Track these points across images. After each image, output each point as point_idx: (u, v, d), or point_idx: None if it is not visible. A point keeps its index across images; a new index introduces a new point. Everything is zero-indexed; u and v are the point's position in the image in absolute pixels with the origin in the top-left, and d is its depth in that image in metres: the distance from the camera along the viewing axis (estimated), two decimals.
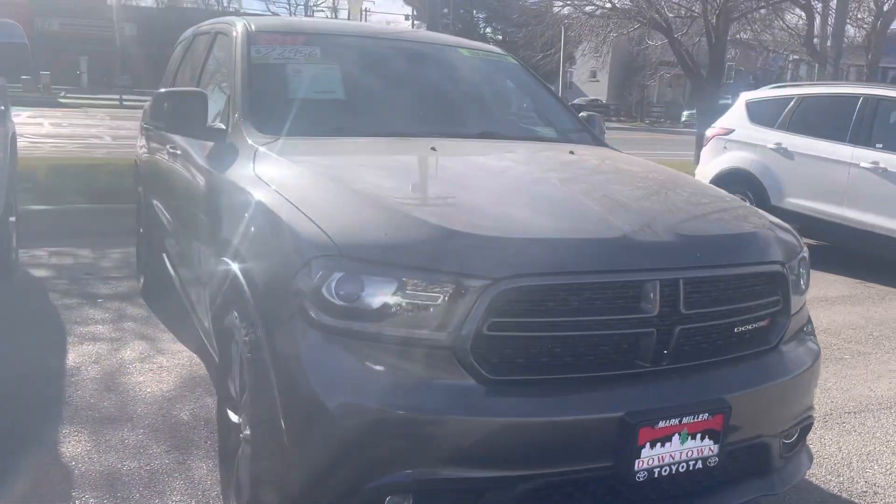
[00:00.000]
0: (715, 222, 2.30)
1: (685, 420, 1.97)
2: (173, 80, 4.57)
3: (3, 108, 4.87)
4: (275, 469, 2.04)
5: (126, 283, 5.27)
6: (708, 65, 15.49)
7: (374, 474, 1.87)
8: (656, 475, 1.97)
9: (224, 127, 2.92)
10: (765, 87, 8.27)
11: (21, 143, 6.97)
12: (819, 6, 14.95)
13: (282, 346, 1.98)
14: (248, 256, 2.22)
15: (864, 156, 6.48)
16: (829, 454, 3.25)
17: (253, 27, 3.31)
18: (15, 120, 5.85)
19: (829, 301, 5.90)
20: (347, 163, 2.57)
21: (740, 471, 2.23)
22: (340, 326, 1.90)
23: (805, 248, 2.48)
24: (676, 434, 1.97)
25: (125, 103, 29.01)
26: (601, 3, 15.47)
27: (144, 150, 4.67)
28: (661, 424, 1.94)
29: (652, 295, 1.98)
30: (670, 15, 15.30)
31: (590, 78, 46.54)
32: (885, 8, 13.80)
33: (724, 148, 7.68)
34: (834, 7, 15.96)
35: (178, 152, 3.49)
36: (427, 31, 4.11)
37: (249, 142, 2.68)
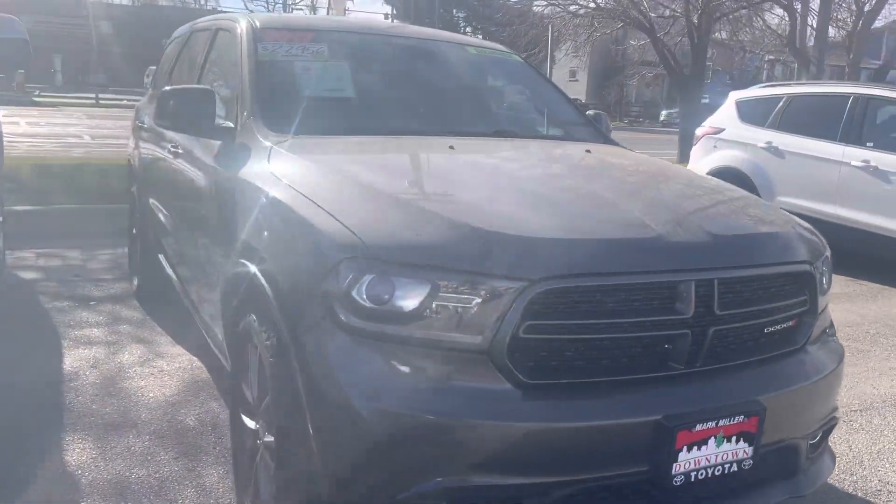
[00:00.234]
0: (744, 221, 2.27)
1: (721, 423, 1.94)
2: (169, 78, 4.48)
3: None
4: (301, 477, 1.98)
5: (118, 285, 5.17)
6: (690, 64, 15.57)
7: (407, 482, 1.82)
8: (692, 479, 1.94)
9: (233, 125, 2.86)
10: (754, 87, 8.31)
11: None
12: (798, 6, 15.07)
13: (310, 350, 1.92)
14: (270, 257, 2.16)
15: (855, 154, 6.52)
16: (840, 453, 3.24)
17: (258, 24, 3.24)
18: None
19: None
20: (367, 162, 2.51)
21: (769, 473, 2.21)
22: (371, 329, 1.85)
23: (828, 248, 2.47)
24: (713, 437, 1.95)
25: (101, 102, 28.60)
26: (585, 3, 15.50)
27: (140, 149, 4.58)
28: (699, 427, 1.91)
29: (687, 296, 1.95)
30: (653, 15, 15.36)
31: (569, 78, 46.67)
32: (866, 8, 13.96)
33: (715, 147, 7.70)
34: (814, 7, 16.15)
35: (181, 151, 3.41)
36: (430, 28, 4.08)
37: (262, 141, 2.62)
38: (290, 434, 2.00)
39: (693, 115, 15.22)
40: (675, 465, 1.90)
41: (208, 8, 51.80)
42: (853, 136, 6.61)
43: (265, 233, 2.24)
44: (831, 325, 2.53)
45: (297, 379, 1.95)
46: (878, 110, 6.66)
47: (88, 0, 41.30)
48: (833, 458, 2.52)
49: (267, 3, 51.02)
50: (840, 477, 3.04)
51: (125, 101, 31.38)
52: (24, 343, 3.99)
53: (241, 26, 3.25)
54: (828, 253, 2.44)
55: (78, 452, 2.85)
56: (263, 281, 2.15)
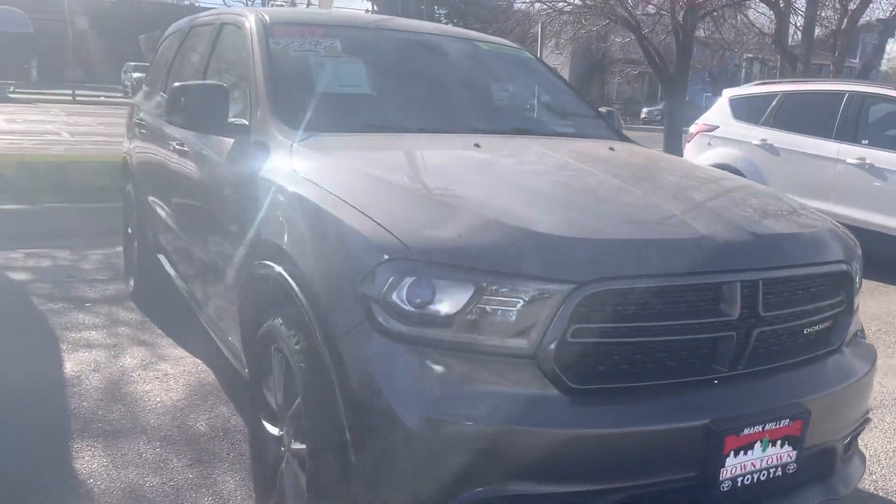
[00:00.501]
0: (784, 221, 2.24)
1: (768, 426, 1.91)
2: (167, 74, 4.37)
3: None
4: (337, 486, 1.92)
5: (113, 286, 5.05)
6: (675, 62, 15.62)
7: (450, 492, 1.76)
8: (739, 484, 1.91)
9: (247, 123, 2.77)
10: (748, 84, 8.33)
11: None
12: (781, 4, 15.16)
13: (347, 355, 1.86)
14: (300, 259, 2.08)
15: (851, 152, 6.55)
16: None
17: (268, 19, 3.16)
18: None
19: None
20: (395, 160, 2.45)
21: (806, 476, 2.18)
22: (413, 334, 1.79)
23: (859, 246, 2.44)
24: (759, 441, 1.91)
25: (78, 98, 28.18)
26: (572, 0, 15.49)
27: (138, 146, 4.46)
28: (746, 432, 1.87)
29: (732, 297, 1.91)
30: (638, 13, 15.39)
31: None
32: (851, 7, 14.07)
33: (709, 144, 7.71)
34: (797, 5, 16.29)
35: (187, 149, 3.32)
36: (440, 24, 4.01)
37: (282, 138, 2.54)
38: (324, 442, 1.93)
39: (678, 112, 15.31)
40: (722, 470, 1.86)
41: (185, 4, 51.26)
42: (848, 133, 6.64)
43: (294, 233, 2.17)
44: (861, 327, 2.50)
45: (333, 385, 1.89)
46: (874, 108, 6.69)
47: None
48: (863, 459, 2.50)
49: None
50: None
51: (102, 98, 31.06)
52: (22, 346, 3.88)
53: (251, 21, 3.16)
54: (860, 252, 2.42)
55: (88, 460, 2.77)
56: (293, 283, 2.08)
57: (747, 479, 1.91)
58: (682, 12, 14.43)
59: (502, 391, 1.76)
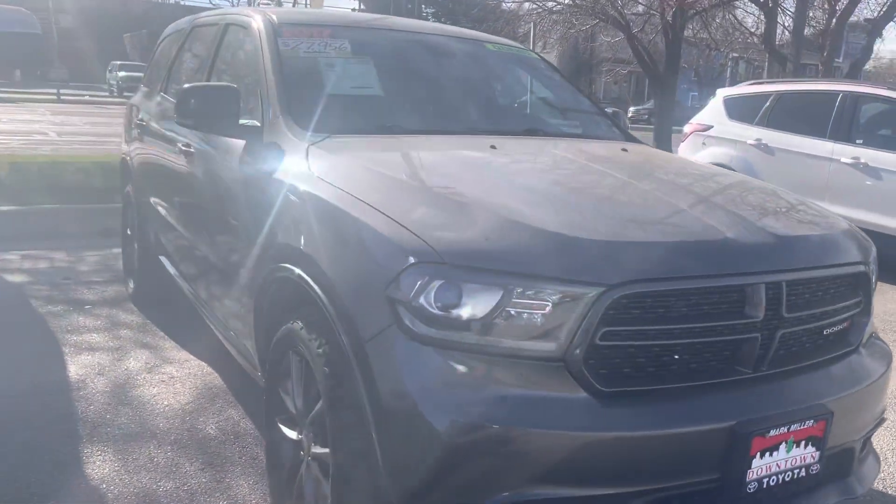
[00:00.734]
0: (804, 223, 2.25)
1: (793, 427, 1.92)
2: (167, 75, 4.34)
3: None
4: (363, 490, 1.91)
5: (112, 288, 5.01)
6: (664, 61, 15.68)
7: (480, 495, 1.76)
8: (764, 486, 1.91)
9: (258, 124, 2.76)
10: (742, 84, 8.37)
11: None
12: (770, 3, 15.25)
13: (374, 358, 1.85)
14: (322, 261, 2.07)
15: (845, 151, 6.60)
16: None
17: (276, 19, 3.14)
18: None
19: None
20: (413, 162, 2.44)
21: (825, 476, 2.19)
22: (441, 337, 1.78)
23: (874, 247, 2.46)
24: (784, 442, 1.92)
25: (63, 97, 27.95)
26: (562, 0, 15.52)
27: (139, 147, 4.42)
28: (773, 433, 1.88)
29: (757, 298, 1.91)
30: (628, 13, 15.44)
31: None
32: (838, 7, 14.18)
33: (703, 144, 7.75)
34: (785, 5, 16.39)
35: (194, 151, 3.29)
36: (445, 25, 4.00)
37: (297, 140, 2.52)
38: (349, 446, 1.92)
39: (668, 111, 15.38)
40: (749, 471, 1.87)
41: (171, 3, 50.94)
42: (842, 133, 6.69)
43: (316, 236, 2.15)
44: (874, 328, 2.52)
45: (360, 388, 1.88)
46: (867, 107, 6.75)
47: None
48: (877, 458, 2.51)
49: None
50: None
51: (88, 97, 30.82)
52: (23, 350, 3.84)
53: (258, 22, 3.14)
54: (875, 252, 2.43)
55: (100, 465, 2.74)
56: (315, 286, 2.06)
57: (772, 481, 1.92)
58: (671, 12, 14.49)
59: (531, 394, 1.76)
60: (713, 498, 1.93)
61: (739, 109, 7.62)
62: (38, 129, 16.93)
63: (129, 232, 4.88)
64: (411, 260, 1.81)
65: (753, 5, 15.81)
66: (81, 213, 6.86)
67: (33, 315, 4.40)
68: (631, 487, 1.81)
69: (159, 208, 3.97)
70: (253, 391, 3.33)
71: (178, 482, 2.66)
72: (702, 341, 1.89)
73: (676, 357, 1.87)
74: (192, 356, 3.86)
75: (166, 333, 4.19)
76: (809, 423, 1.94)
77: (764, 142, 7.21)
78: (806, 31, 15.65)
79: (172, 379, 3.56)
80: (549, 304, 1.76)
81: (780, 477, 1.94)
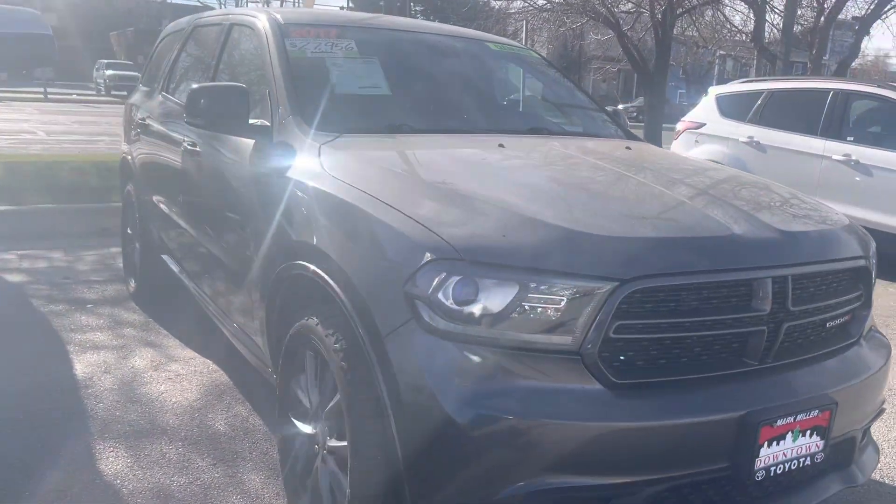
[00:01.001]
0: (808, 219, 2.30)
1: (799, 417, 1.97)
2: (168, 74, 4.36)
3: None
4: (381, 482, 1.96)
5: (112, 287, 5.03)
6: (654, 59, 15.77)
7: (498, 487, 1.80)
8: (772, 474, 1.97)
9: (268, 124, 2.79)
10: (734, 82, 8.46)
11: None
12: (759, 0, 15.38)
13: (393, 352, 1.89)
14: (339, 259, 2.11)
15: (836, 148, 6.69)
16: None
17: (282, 19, 3.17)
18: None
19: None
20: (425, 160, 2.48)
21: (828, 465, 2.25)
22: (459, 331, 1.83)
23: (874, 241, 2.52)
24: (790, 432, 1.97)
25: (50, 96, 27.79)
26: None
27: (141, 147, 4.44)
28: (780, 423, 1.93)
29: (763, 292, 1.97)
30: (618, 10, 15.51)
31: None
32: (826, 5, 14.33)
33: (696, 141, 7.83)
34: (773, 3, 16.51)
35: (200, 150, 3.32)
36: (445, 24, 4.06)
37: (308, 140, 2.56)
38: (368, 438, 1.96)
39: (658, 108, 15.46)
40: (757, 460, 1.92)
41: (157, 1, 50.64)
42: (833, 130, 6.78)
43: (332, 233, 2.19)
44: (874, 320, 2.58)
45: (378, 382, 1.92)
46: (858, 105, 6.84)
47: None
48: (876, 448, 2.58)
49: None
50: None
51: (75, 96, 30.64)
52: (29, 349, 3.85)
53: (264, 22, 3.18)
54: (874, 247, 2.50)
55: (112, 461, 2.77)
56: (332, 282, 2.10)
57: (779, 469, 1.98)
58: (661, 9, 14.58)
59: (547, 386, 1.80)
60: (723, 486, 1.99)
61: (731, 107, 7.70)
62: (27, 128, 16.82)
63: (129, 231, 4.90)
64: (429, 256, 1.85)
65: (742, 3, 15.95)
66: (77, 213, 6.85)
67: (36, 314, 4.41)
68: (644, 476, 1.86)
69: (163, 207, 3.99)
70: (260, 388, 3.38)
71: (191, 477, 2.70)
72: (711, 334, 1.94)
73: (686, 349, 1.92)
74: (196, 354, 3.89)
75: (170, 332, 4.22)
76: (815, 412, 2.00)
77: (756, 139, 7.29)
78: (794, 28, 15.77)
79: (179, 376, 3.59)
80: (564, 298, 1.80)
81: (787, 465, 1.99)
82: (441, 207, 2.02)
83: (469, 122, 3.03)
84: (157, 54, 4.90)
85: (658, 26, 14.91)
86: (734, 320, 1.96)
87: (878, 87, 6.84)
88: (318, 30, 3.17)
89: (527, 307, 1.81)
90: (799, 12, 16.28)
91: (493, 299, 1.82)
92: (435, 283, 1.83)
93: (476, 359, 1.82)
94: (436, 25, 3.91)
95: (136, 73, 33.85)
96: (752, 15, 15.80)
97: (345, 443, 2.06)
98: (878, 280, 2.49)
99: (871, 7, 14.57)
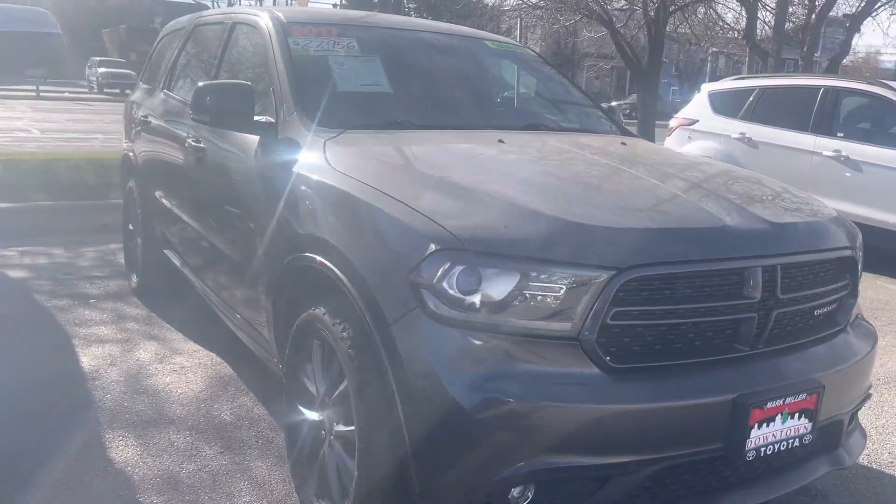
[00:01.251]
0: (797, 211, 2.40)
1: (788, 400, 2.06)
2: (170, 72, 4.42)
3: None
4: (389, 466, 2.03)
5: (113, 283, 5.09)
6: (647, 56, 15.89)
7: (501, 467, 1.88)
8: (762, 454, 2.05)
9: (273, 120, 2.86)
10: (726, 79, 8.56)
11: None
12: None
13: (400, 339, 1.97)
14: (347, 250, 2.19)
15: (827, 144, 6.79)
16: None
17: (284, 18, 3.24)
18: None
19: None
20: (428, 155, 2.56)
21: (816, 448, 2.34)
22: (463, 319, 1.91)
23: (860, 233, 2.61)
24: (780, 414, 2.06)
25: (42, 94, 27.72)
26: None
27: (143, 144, 4.50)
28: (770, 405, 2.02)
29: (754, 281, 2.06)
30: (611, 8, 15.63)
31: None
32: (818, 2, 14.47)
33: (689, 138, 7.93)
34: (767, 2, 16.63)
35: (204, 146, 3.39)
36: (448, 23, 4.15)
37: (311, 136, 2.64)
38: (375, 423, 2.04)
39: (651, 105, 15.59)
40: (748, 440, 2.01)
41: None
42: (824, 126, 6.88)
43: (339, 226, 2.27)
44: (860, 310, 2.67)
45: (385, 368, 2.00)
46: (848, 101, 6.94)
47: None
48: (864, 433, 2.67)
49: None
50: None
51: (67, 94, 30.57)
52: (35, 342, 3.92)
53: (267, 21, 3.25)
54: (861, 238, 2.59)
55: (122, 449, 2.85)
56: (339, 273, 2.18)
57: (769, 450, 2.07)
58: (654, 7, 14.69)
59: (548, 371, 1.89)
60: (716, 466, 2.08)
61: (724, 104, 7.80)
62: (21, 126, 16.82)
63: (130, 227, 4.96)
64: (434, 247, 1.93)
65: (734, 0, 16.06)
66: (76, 210, 6.91)
67: (39, 309, 4.47)
68: (641, 456, 1.95)
69: (166, 203, 4.06)
70: (264, 379, 3.45)
71: (199, 464, 2.77)
72: (704, 321, 2.03)
73: (680, 335, 2.01)
74: (200, 347, 3.96)
75: (172, 326, 4.28)
76: (803, 396, 2.09)
77: (748, 136, 7.40)
78: (786, 26, 15.90)
79: (183, 368, 3.66)
80: (564, 287, 1.89)
81: (777, 446, 2.08)
82: (444, 200, 2.10)
83: (468, 118, 3.11)
84: (158, 52, 4.96)
85: (651, 23, 15.03)
86: (726, 307, 2.05)
87: (868, 83, 6.95)
88: (319, 28, 3.25)
89: (528, 295, 1.89)
90: (790, 10, 16.41)
91: (496, 288, 1.90)
92: (440, 272, 1.91)
93: (480, 345, 1.90)
94: (434, 24, 4.00)
95: (128, 71, 33.88)
96: (744, 12, 15.92)
97: (352, 427, 2.14)
98: (867, 273, 2.58)
99: (862, 4, 14.71)
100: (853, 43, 16.49)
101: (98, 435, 2.95)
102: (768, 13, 16.67)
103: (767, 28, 17.26)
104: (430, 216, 2.00)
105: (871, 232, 6.14)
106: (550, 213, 1.98)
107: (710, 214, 2.12)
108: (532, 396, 1.85)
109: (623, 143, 2.99)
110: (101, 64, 34.82)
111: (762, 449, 2.05)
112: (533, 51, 3.93)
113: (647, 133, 14.57)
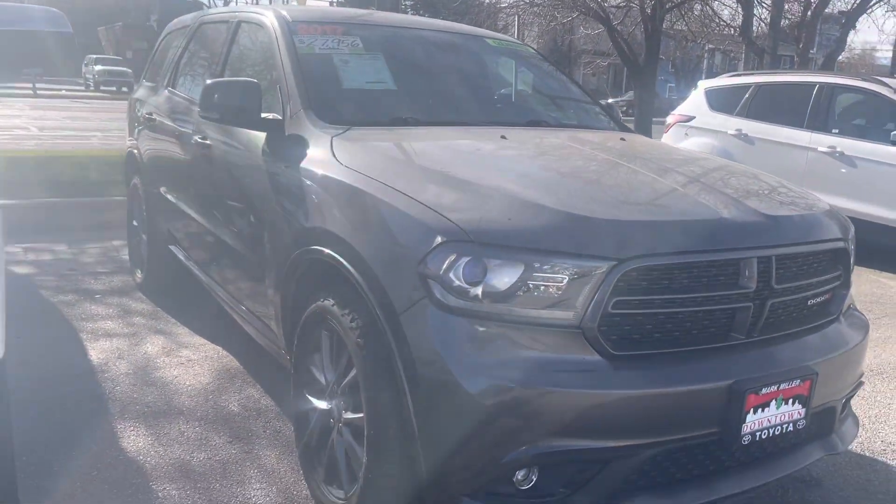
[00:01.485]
0: (791, 204, 2.47)
1: (782, 386, 2.14)
2: (174, 70, 4.48)
3: None
4: (398, 452, 2.10)
5: (118, 278, 5.15)
6: (644, 53, 15.96)
7: (506, 450, 1.95)
8: (757, 439, 2.13)
9: (280, 117, 2.93)
10: (722, 76, 8.64)
11: None
12: None
13: (408, 328, 2.04)
14: (356, 243, 2.25)
15: (822, 141, 6.88)
16: None
17: (290, 17, 3.31)
18: None
19: None
20: (433, 151, 2.63)
21: (809, 433, 2.41)
22: (469, 308, 1.98)
23: (853, 225, 2.68)
24: (774, 400, 2.14)
25: (39, 92, 27.72)
26: None
27: (148, 141, 4.57)
28: (765, 391, 2.10)
29: (749, 271, 2.13)
30: (608, 5, 15.70)
31: None
32: (813, 0, 14.57)
33: (686, 134, 8.00)
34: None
35: (211, 143, 3.46)
36: (445, 21, 4.22)
37: (320, 132, 2.70)
38: (385, 409, 2.11)
39: (648, 102, 15.66)
40: (744, 425, 2.08)
41: None
42: (819, 123, 6.97)
43: (347, 220, 2.33)
44: (853, 301, 2.75)
45: (393, 356, 2.07)
46: (843, 98, 7.03)
47: None
48: (856, 420, 2.75)
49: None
50: None
51: (64, 91, 30.57)
52: (43, 336, 3.98)
53: (272, 19, 3.31)
54: (853, 231, 2.66)
55: (134, 440, 2.91)
56: (348, 265, 2.25)
57: (764, 434, 2.14)
58: (650, 4, 14.77)
59: (552, 357, 1.96)
60: (713, 450, 2.15)
61: (720, 100, 7.88)
62: (19, 123, 16.86)
63: (135, 223, 5.02)
64: (440, 239, 2.00)
65: None
66: (78, 207, 6.96)
67: (46, 304, 4.54)
68: (641, 440, 2.02)
69: (172, 199, 4.12)
70: (270, 371, 3.52)
71: (209, 454, 2.84)
72: (701, 310, 2.10)
73: (679, 324, 2.08)
74: (206, 341, 4.03)
75: (178, 320, 4.35)
76: (797, 382, 2.17)
77: (744, 132, 7.47)
78: (781, 22, 16.00)
79: (191, 361, 3.73)
80: (566, 277, 1.96)
81: (771, 431, 2.16)
82: (449, 194, 2.17)
83: (471, 114, 3.18)
84: (161, 51, 5.02)
85: (647, 21, 15.11)
86: (722, 297, 2.12)
87: (863, 80, 7.03)
88: (324, 27, 3.31)
89: (532, 285, 1.97)
90: (786, 7, 16.51)
91: (501, 278, 1.97)
92: (446, 263, 1.98)
93: (485, 333, 1.97)
94: (436, 22, 4.06)
95: (125, 69, 33.91)
96: (740, 9, 16.01)
97: (361, 415, 2.21)
98: (861, 267, 2.66)
99: (857, 1, 14.81)
100: (849, 39, 16.59)
101: (110, 425, 3.01)
102: (764, 10, 16.78)
103: (763, 25, 17.36)
104: (436, 209, 2.07)
105: (865, 226, 6.23)
106: (553, 206, 2.05)
107: (708, 207, 2.19)
108: (536, 382, 1.92)
109: (622, 139, 3.07)
110: (97, 62, 34.84)
111: (757, 433, 2.12)
112: (532, 48, 4.00)
113: (644, 129, 14.65)
